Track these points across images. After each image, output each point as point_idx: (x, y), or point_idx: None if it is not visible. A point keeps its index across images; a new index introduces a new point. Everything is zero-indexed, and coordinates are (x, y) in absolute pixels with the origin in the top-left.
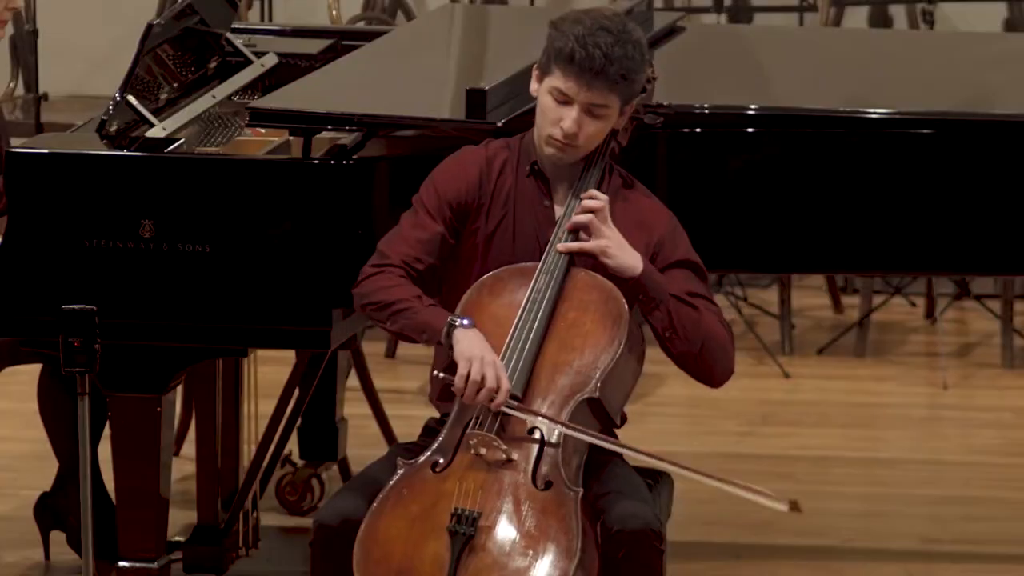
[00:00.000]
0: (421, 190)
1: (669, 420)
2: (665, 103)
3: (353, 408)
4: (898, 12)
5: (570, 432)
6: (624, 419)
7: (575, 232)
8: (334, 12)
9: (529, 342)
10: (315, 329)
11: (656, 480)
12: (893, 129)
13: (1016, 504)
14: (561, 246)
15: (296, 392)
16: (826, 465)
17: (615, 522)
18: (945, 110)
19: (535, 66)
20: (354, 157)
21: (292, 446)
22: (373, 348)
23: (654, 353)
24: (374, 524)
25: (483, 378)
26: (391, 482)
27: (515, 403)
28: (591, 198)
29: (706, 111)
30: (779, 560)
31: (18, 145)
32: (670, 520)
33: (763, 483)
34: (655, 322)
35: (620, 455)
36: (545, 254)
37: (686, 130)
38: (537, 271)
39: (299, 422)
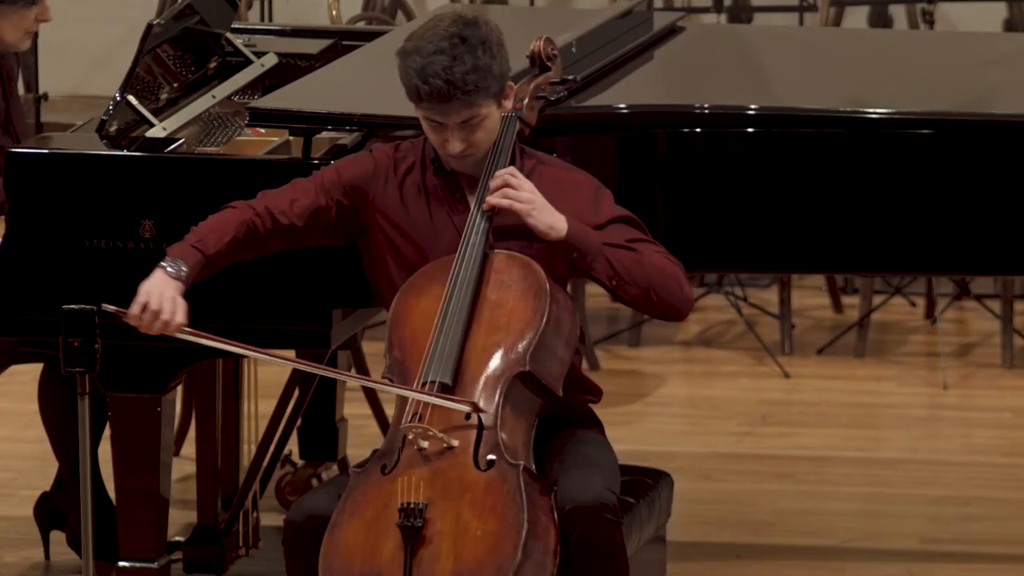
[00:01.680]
0: (323, 166)
1: (669, 420)
2: (570, 76)
3: (353, 408)
4: (898, 12)
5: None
6: (598, 392)
7: (489, 225)
8: (334, 12)
9: (453, 329)
10: (315, 329)
11: (656, 480)
12: (893, 129)
13: (1016, 504)
14: (489, 200)
15: (296, 392)
16: (826, 465)
17: (566, 500)
18: (945, 110)
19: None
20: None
21: (292, 446)
22: (373, 348)
23: (654, 353)
24: (335, 536)
25: (160, 307)
26: (345, 492)
27: (189, 330)
28: (496, 180)
29: (706, 111)
30: (779, 560)
31: (18, 145)
32: (670, 520)
33: (763, 483)
34: (598, 275)
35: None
36: (462, 242)
37: (686, 130)
38: (455, 260)
39: (299, 422)
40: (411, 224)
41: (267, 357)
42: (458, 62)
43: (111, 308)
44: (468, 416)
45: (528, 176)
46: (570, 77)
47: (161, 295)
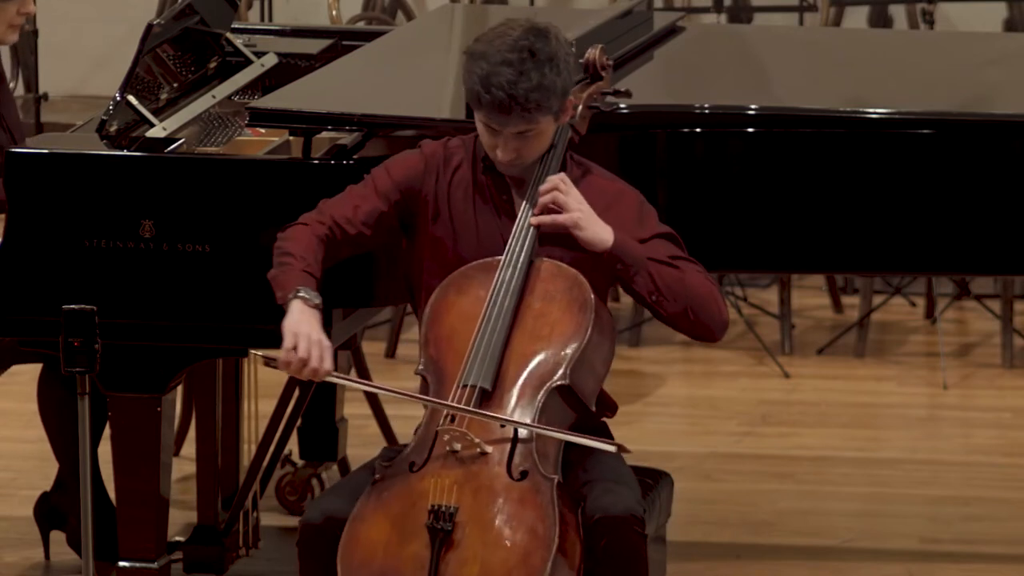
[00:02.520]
0: (374, 169)
1: (669, 420)
2: (623, 89)
3: (353, 408)
4: (898, 12)
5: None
6: (613, 408)
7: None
8: (334, 12)
9: (496, 335)
10: None
11: (656, 480)
12: (893, 129)
13: (1016, 504)
14: (533, 220)
15: (296, 392)
16: (826, 465)
17: (596, 509)
18: (945, 110)
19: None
20: (354, 157)
21: (292, 446)
22: (373, 348)
23: (654, 353)
24: (355, 528)
25: (308, 355)
26: (370, 486)
27: (336, 375)
28: (547, 185)
29: (706, 111)
30: (779, 560)
31: (16, 144)
32: (670, 520)
33: (763, 483)
34: (639, 288)
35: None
36: (508, 246)
37: (686, 130)
38: (500, 264)
39: (299, 422)
40: (455, 223)
41: (414, 397)
42: (524, 78)
43: (260, 353)
44: (503, 424)
45: (575, 184)
46: (623, 89)
47: (309, 339)
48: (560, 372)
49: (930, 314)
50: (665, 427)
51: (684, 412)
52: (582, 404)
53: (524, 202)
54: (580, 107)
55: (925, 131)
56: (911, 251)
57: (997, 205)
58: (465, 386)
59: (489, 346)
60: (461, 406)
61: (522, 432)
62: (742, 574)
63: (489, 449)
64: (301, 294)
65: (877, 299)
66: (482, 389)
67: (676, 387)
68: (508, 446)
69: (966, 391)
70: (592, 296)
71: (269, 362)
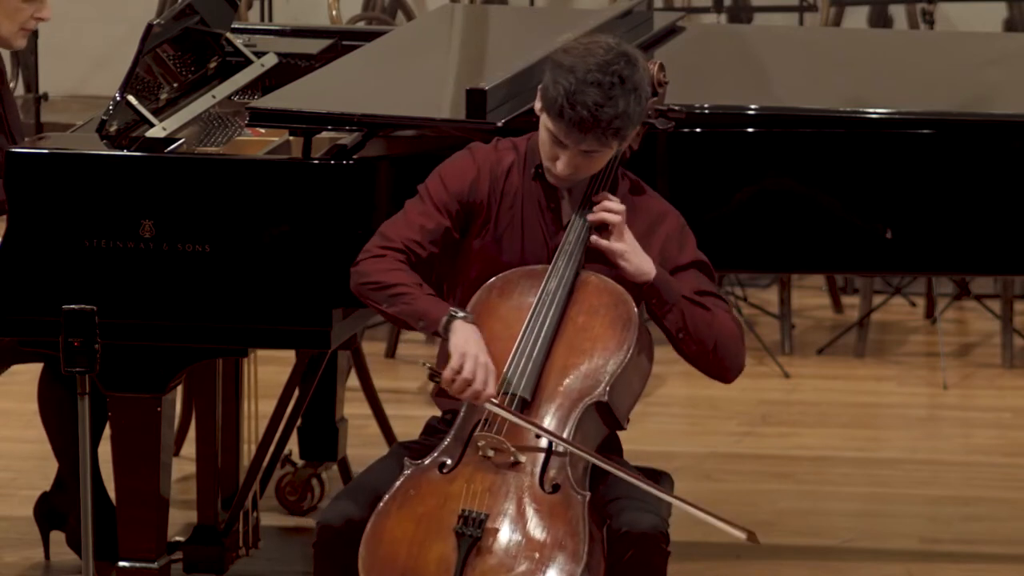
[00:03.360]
0: (428, 181)
1: (669, 420)
2: (676, 106)
3: (353, 408)
4: (898, 12)
5: (558, 442)
6: (628, 421)
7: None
8: (334, 12)
9: (539, 345)
10: (315, 329)
11: (656, 480)
12: (893, 129)
13: (1016, 504)
14: (594, 218)
15: (296, 392)
16: (826, 465)
17: (623, 524)
18: (945, 110)
19: (540, 88)
20: (354, 157)
21: (292, 446)
22: (373, 348)
23: (655, 353)
24: (380, 524)
25: (474, 377)
26: (398, 482)
27: (495, 402)
28: (610, 204)
29: (706, 111)
30: (779, 560)
31: (16, 145)
32: (670, 520)
33: (763, 483)
34: (668, 324)
35: (618, 456)
36: (555, 257)
37: (686, 130)
38: (547, 274)
39: (299, 422)
40: (500, 227)
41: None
42: (611, 104)
43: (427, 365)
44: (539, 436)
45: (622, 200)
46: (676, 107)
47: (476, 360)
48: (600, 388)
49: (930, 314)
50: (665, 427)
51: (684, 412)
52: (616, 421)
53: (573, 215)
54: None
55: (925, 131)
56: (911, 251)
57: (997, 205)
58: (505, 394)
59: (531, 356)
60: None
61: (558, 445)
62: (742, 574)
63: (523, 459)
64: (459, 315)
65: (877, 299)
66: (522, 399)
67: (676, 387)
68: (542, 458)
69: (966, 391)
70: (636, 313)
71: (433, 376)
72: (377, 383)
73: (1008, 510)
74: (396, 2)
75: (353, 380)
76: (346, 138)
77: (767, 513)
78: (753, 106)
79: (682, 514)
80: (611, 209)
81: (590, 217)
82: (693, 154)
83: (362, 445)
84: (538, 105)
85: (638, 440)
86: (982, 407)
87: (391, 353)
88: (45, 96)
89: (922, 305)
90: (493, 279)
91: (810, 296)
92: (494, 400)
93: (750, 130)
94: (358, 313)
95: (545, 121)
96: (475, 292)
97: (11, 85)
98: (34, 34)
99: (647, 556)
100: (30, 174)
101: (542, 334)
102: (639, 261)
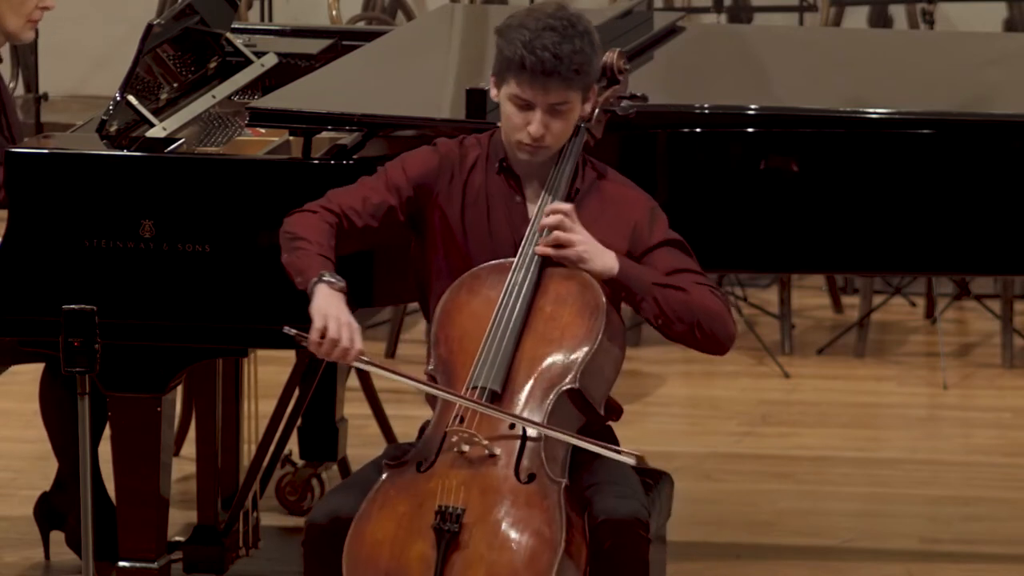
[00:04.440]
0: (389, 163)
1: (669, 420)
2: (638, 93)
3: (353, 408)
4: (898, 12)
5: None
6: (619, 411)
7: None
8: (334, 12)
9: (507, 337)
10: None
11: (656, 480)
12: (893, 129)
13: (1016, 504)
14: (538, 249)
15: (296, 392)
16: (826, 465)
17: (601, 512)
18: (945, 110)
19: (492, 74)
20: (354, 157)
21: (292, 446)
22: (373, 348)
23: (654, 353)
24: (362, 527)
25: (339, 336)
26: (377, 485)
27: (365, 359)
28: (552, 213)
29: (706, 111)
30: (779, 560)
31: (18, 145)
32: (670, 520)
33: (763, 483)
34: (645, 313)
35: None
36: (520, 249)
37: (686, 130)
38: (513, 266)
39: (299, 422)
40: (467, 224)
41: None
42: (567, 41)
43: (292, 331)
44: (512, 426)
45: (588, 188)
46: (639, 93)
47: (339, 320)
48: (570, 376)
49: (930, 314)
50: (665, 427)
51: (684, 412)
52: (591, 408)
53: (537, 206)
54: (597, 110)
55: (925, 131)
56: (911, 251)
57: (997, 205)
58: (475, 387)
59: (499, 348)
60: (474, 400)
61: (531, 432)
62: (742, 574)
63: (497, 451)
64: (326, 278)
65: (877, 299)
66: (492, 391)
67: (676, 387)
68: (516, 448)
69: (966, 391)
70: (604, 300)
71: (300, 340)
72: (377, 383)
73: (1008, 510)
74: (396, 2)
75: (353, 380)
76: (346, 138)
77: (767, 513)
78: (753, 106)
79: (682, 514)
80: (556, 218)
81: (542, 228)
82: (693, 154)
83: (362, 445)
84: (495, 87)
85: (638, 440)
86: (982, 407)
87: (391, 353)
88: (45, 96)
89: (922, 305)
90: (463, 276)
91: (810, 296)
92: (364, 357)
93: (750, 130)
94: (358, 313)
95: (507, 90)
96: (447, 290)
97: (11, 85)
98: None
99: (627, 544)
100: (30, 174)
101: (510, 326)
102: (600, 259)
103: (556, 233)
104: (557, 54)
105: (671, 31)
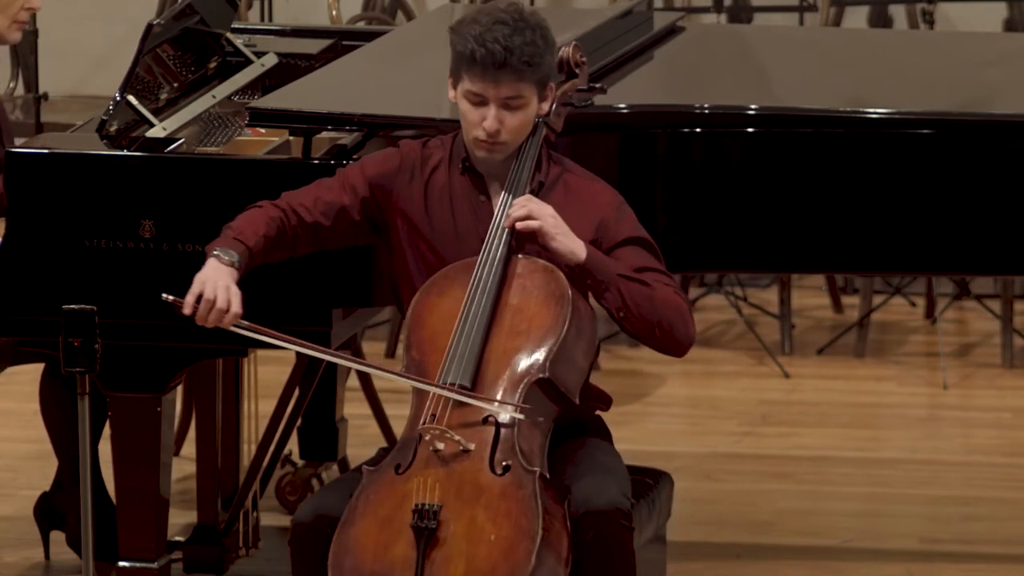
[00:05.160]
0: (349, 164)
1: (669, 420)
2: (597, 84)
3: (353, 408)
4: (898, 12)
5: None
6: (607, 400)
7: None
8: (334, 12)
9: (475, 331)
10: (315, 329)
11: (656, 480)
12: (893, 129)
13: (1016, 504)
14: (508, 221)
15: (296, 392)
16: (826, 465)
17: (580, 504)
18: (945, 110)
19: (448, 75)
20: (354, 157)
21: (292, 446)
22: (373, 348)
23: (654, 353)
24: (345, 533)
25: (215, 297)
26: (358, 490)
27: (245, 324)
28: (519, 207)
29: (706, 111)
30: (779, 560)
31: (18, 145)
32: (670, 520)
33: (763, 483)
34: (608, 304)
35: (599, 437)
36: (484, 245)
37: (686, 130)
38: (478, 263)
39: (299, 422)
40: (433, 225)
41: (323, 354)
42: (518, 34)
43: (169, 298)
44: (485, 420)
45: (553, 183)
46: (597, 85)
47: (216, 284)
48: (539, 366)
49: (930, 314)
50: (665, 427)
51: (684, 412)
52: (565, 397)
53: (499, 202)
54: (555, 104)
55: (925, 131)
56: (911, 251)
57: (997, 205)
58: (445, 384)
59: (467, 344)
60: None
61: (503, 418)
62: (742, 574)
63: (471, 446)
64: (216, 252)
65: (877, 299)
66: (462, 386)
67: (676, 387)
68: (490, 442)
69: (966, 391)
70: (569, 289)
71: (177, 305)
72: (377, 383)
73: (1008, 510)
74: (396, 2)
75: (353, 380)
76: (346, 138)
77: (767, 513)
78: (753, 106)
79: (682, 514)
80: (522, 212)
81: (508, 218)
82: (693, 154)
83: (362, 445)
84: (451, 88)
85: (638, 440)
86: (982, 407)
87: (391, 353)
88: (45, 96)
89: (922, 305)
90: (434, 277)
91: (810, 296)
92: (244, 322)
93: (750, 130)
94: (358, 313)
95: (462, 88)
96: (417, 292)
97: (11, 85)
98: (34, 34)
99: (608, 534)
100: (30, 174)
101: (477, 320)
102: (568, 241)
103: (529, 206)
104: (508, 46)
105: (671, 31)
